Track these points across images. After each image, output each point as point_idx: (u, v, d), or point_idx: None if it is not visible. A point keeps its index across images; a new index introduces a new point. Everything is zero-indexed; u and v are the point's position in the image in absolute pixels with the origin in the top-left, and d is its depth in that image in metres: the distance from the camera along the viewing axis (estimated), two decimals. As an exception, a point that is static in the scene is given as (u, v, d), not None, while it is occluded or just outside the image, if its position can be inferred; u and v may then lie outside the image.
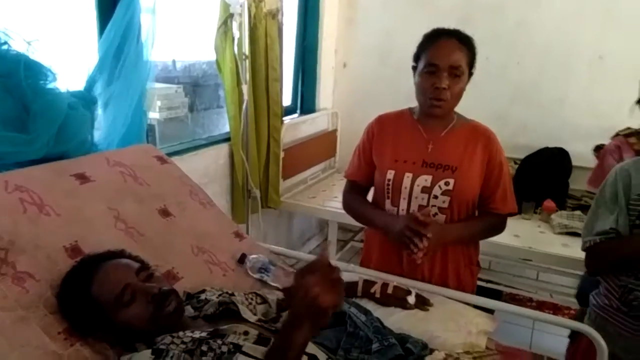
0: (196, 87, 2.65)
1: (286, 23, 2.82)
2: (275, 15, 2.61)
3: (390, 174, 1.54)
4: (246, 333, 1.02)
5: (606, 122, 3.10)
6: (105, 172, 1.46)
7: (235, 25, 2.33)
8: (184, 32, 2.43)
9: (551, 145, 3.16)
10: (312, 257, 1.97)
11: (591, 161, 2.88)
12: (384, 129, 1.62)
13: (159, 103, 2.30)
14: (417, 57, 1.50)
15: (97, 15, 1.82)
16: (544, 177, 3.03)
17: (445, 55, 1.41)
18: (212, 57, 2.38)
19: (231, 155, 2.57)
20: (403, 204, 1.54)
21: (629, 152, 1.89)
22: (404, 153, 1.55)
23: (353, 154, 1.70)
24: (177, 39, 2.37)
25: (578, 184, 3.05)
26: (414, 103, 1.60)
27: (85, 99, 1.58)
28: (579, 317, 1.76)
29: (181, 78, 2.58)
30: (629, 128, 2.03)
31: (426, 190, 1.51)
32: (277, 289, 1.45)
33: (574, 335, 2.04)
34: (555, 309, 2.94)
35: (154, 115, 2.25)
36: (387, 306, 1.38)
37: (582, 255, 1.51)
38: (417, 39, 1.53)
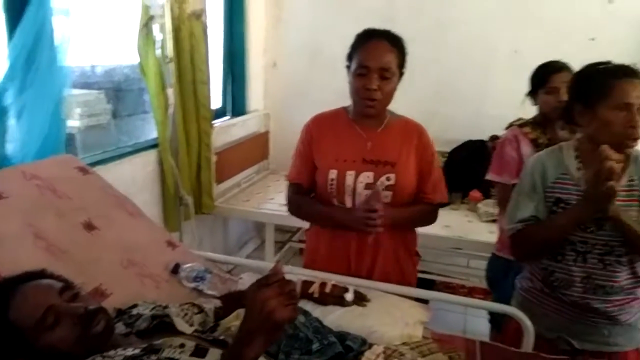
0: (119, 92, 2.54)
1: (211, 23, 2.77)
2: (199, 15, 2.55)
3: (333, 174, 1.56)
4: (182, 346, 0.99)
5: (524, 114, 3.31)
6: (21, 186, 1.36)
7: (156, 27, 2.25)
8: (103, 35, 2.32)
9: (474, 137, 3.31)
10: (249, 262, 1.96)
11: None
12: (322, 129, 1.64)
13: (78, 110, 2.19)
14: (350, 57, 1.53)
15: (5, 18, 1.69)
16: (470, 168, 3.17)
17: (375, 58, 1.45)
18: (134, 60, 2.29)
19: (160, 162, 2.49)
20: (348, 201, 1.57)
21: (525, 141, 2.02)
22: (344, 152, 1.58)
23: (293, 157, 1.70)
24: (95, 43, 2.26)
25: (501, 173, 3.23)
26: (344, 101, 1.63)
27: (-7, 110, 1.47)
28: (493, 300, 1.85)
29: (102, 83, 2.46)
30: (521, 119, 2.18)
31: (369, 186, 1.54)
32: (214, 297, 1.41)
33: (494, 319, 2.16)
34: (486, 293, 3.08)
35: (73, 123, 2.14)
36: (325, 305, 1.40)
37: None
38: (345, 37, 1.55)
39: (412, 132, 1.60)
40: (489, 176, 2.13)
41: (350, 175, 1.55)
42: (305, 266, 1.74)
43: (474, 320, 2.93)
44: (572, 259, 1.42)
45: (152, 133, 2.49)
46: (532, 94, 2.08)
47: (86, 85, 2.33)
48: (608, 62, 1.38)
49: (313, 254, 1.72)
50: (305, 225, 2.74)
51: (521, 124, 2.14)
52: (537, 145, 1.94)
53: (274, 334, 0.82)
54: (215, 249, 3.01)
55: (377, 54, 1.45)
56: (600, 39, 3.06)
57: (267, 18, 3.64)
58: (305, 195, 1.70)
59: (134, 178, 2.34)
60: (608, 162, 1.22)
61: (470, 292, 3.20)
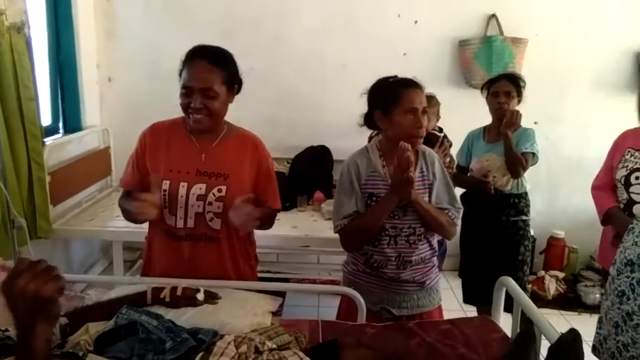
0: None
1: (36, 36, 2.60)
2: (20, 28, 2.39)
3: (166, 184, 1.60)
4: (27, 363, 0.98)
5: (356, 121, 3.67)
6: None
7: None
8: None
9: (315, 144, 3.59)
10: (97, 279, 1.90)
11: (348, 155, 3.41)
12: (157, 138, 1.66)
13: None
14: (180, 74, 1.59)
15: None
16: (312, 172, 3.43)
17: (195, 79, 1.52)
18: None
19: (-17, 186, 2.28)
20: (180, 212, 1.62)
21: None
22: (178, 163, 1.62)
23: (127, 163, 1.71)
24: None
25: (340, 175, 3.56)
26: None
27: None
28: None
29: None
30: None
31: (201, 198, 1.60)
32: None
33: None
34: (334, 284, 3.35)
35: None
36: (178, 308, 1.43)
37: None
38: (184, 51, 1.61)
39: (248, 144, 1.69)
40: None
41: (183, 187, 1.59)
42: (144, 273, 1.76)
43: (327, 310, 3.15)
44: (386, 242, 1.70)
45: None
46: None
47: None
48: (395, 76, 1.70)
49: (150, 260, 1.74)
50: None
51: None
52: None
53: (51, 311, 0.83)
54: (57, 276, 2.82)
55: (197, 75, 1.52)
56: (411, 54, 3.56)
57: (98, 31, 3.50)
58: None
59: (-48, 205, 2.11)
60: (406, 152, 1.50)
61: (323, 284, 3.44)
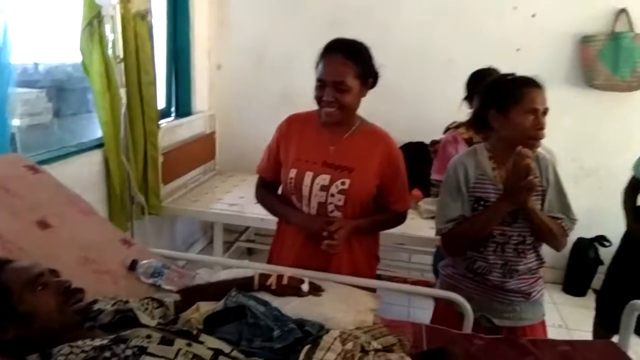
0: (61, 91, 2.46)
1: (156, 24, 2.75)
2: (144, 16, 2.53)
3: (293, 173, 1.63)
4: (149, 336, 1.02)
5: (458, 118, 3.52)
6: (-30, 185, 1.33)
7: (107, 26, 2.23)
8: (46, 32, 2.26)
9: (414, 140, 3.48)
10: (201, 258, 1.97)
11: (449, 153, 3.26)
12: (292, 129, 1.70)
13: (19, 109, 2.11)
14: (316, 67, 1.59)
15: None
16: (411, 169, 3.32)
17: (329, 73, 1.52)
18: (78, 59, 2.24)
19: (105, 162, 2.45)
20: (305, 200, 1.64)
21: (461, 141, 2.22)
22: (307, 153, 1.64)
23: (265, 151, 1.78)
24: (37, 40, 2.19)
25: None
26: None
27: None
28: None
29: (44, 82, 2.38)
30: (455, 122, 2.38)
31: (324, 188, 1.61)
32: (172, 291, 1.44)
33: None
34: (427, 285, 3.25)
35: (14, 122, 2.06)
36: (282, 296, 1.44)
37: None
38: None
39: (378, 141, 1.66)
40: (435, 176, 2.27)
41: (308, 176, 1.61)
42: (270, 257, 1.83)
43: (417, 312, 3.09)
44: (492, 249, 1.60)
45: (97, 133, 2.45)
46: (468, 98, 2.25)
47: (27, 84, 2.25)
48: (513, 74, 1.56)
49: (280, 246, 1.80)
50: (255, 224, 2.79)
51: (456, 126, 2.32)
52: (471, 144, 2.11)
53: None
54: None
55: (330, 70, 1.52)
56: (525, 50, 3.32)
57: (211, 20, 3.64)
58: (271, 188, 1.79)
59: (79, 178, 2.28)
60: (526, 159, 1.39)
61: (414, 284, 3.35)
